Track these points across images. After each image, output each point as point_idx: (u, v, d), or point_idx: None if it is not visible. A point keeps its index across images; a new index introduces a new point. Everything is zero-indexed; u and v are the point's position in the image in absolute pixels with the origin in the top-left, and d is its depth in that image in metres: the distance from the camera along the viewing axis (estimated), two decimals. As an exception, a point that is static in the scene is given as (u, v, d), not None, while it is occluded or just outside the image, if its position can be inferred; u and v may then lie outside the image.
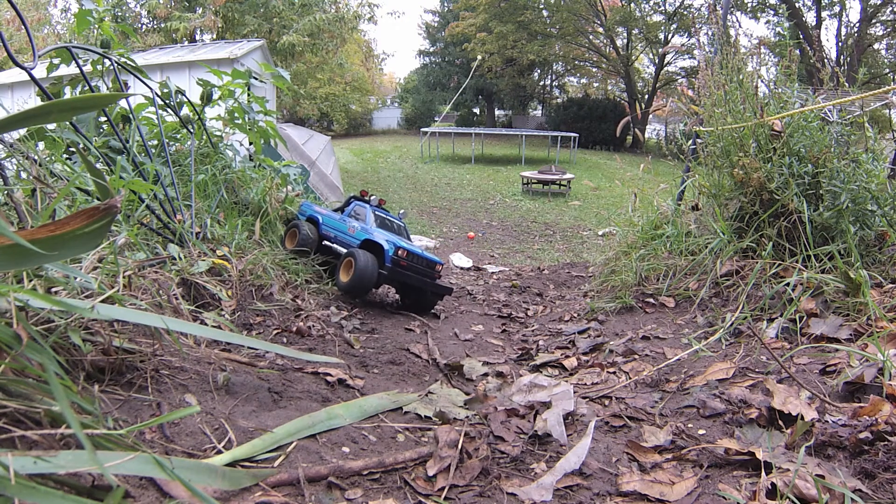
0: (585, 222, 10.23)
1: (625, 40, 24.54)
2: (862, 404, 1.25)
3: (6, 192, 1.47)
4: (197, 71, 8.51)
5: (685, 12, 21.36)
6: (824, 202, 2.41)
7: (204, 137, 3.25)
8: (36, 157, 1.78)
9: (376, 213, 3.66)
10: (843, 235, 2.28)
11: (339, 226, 3.53)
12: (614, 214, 5.54)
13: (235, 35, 13.98)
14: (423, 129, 19.84)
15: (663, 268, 2.97)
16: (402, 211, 4.28)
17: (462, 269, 6.22)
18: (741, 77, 2.94)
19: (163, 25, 13.71)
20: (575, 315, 3.20)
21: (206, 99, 3.36)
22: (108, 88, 2.79)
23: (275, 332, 2.07)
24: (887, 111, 3.21)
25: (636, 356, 2.13)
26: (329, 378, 1.67)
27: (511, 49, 23.59)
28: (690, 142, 3.43)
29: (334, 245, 3.47)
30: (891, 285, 2.06)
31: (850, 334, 1.78)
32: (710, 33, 3.84)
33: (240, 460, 1.02)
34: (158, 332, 1.34)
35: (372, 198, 3.84)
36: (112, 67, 2.40)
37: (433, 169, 16.26)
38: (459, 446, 1.20)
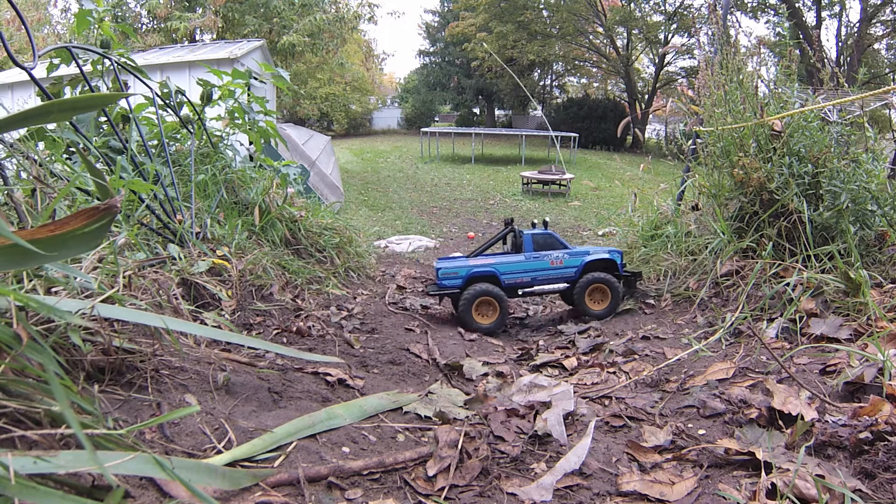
0: (585, 222, 10.22)
1: (625, 40, 24.53)
2: (862, 404, 1.26)
3: (6, 192, 1.47)
4: (197, 71, 8.51)
5: (685, 12, 21.33)
6: (824, 202, 2.41)
7: (204, 137, 3.25)
8: (36, 157, 1.78)
9: (536, 235, 3.10)
10: (843, 235, 2.28)
11: (534, 265, 3.03)
12: (614, 214, 5.54)
13: (235, 35, 13.98)
14: (423, 129, 19.84)
15: (663, 268, 2.97)
16: (546, 219, 3.68)
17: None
18: (741, 77, 2.94)
19: (163, 25, 13.71)
20: (575, 315, 3.20)
21: (206, 99, 3.36)
22: (108, 88, 2.79)
23: (275, 332, 2.07)
24: (887, 111, 3.21)
25: (636, 356, 2.13)
26: (329, 378, 1.67)
27: (511, 49, 23.58)
28: (690, 142, 3.43)
29: (537, 287, 3.04)
30: (891, 285, 2.06)
31: (850, 334, 1.78)
32: (710, 33, 3.84)
33: (240, 460, 1.02)
34: (158, 331, 1.34)
35: (546, 219, 3.41)
36: (112, 67, 2.40)
37: (433, 169, 16.27)
38: (459, 446, 1.20)
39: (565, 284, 3.04)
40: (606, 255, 3.04)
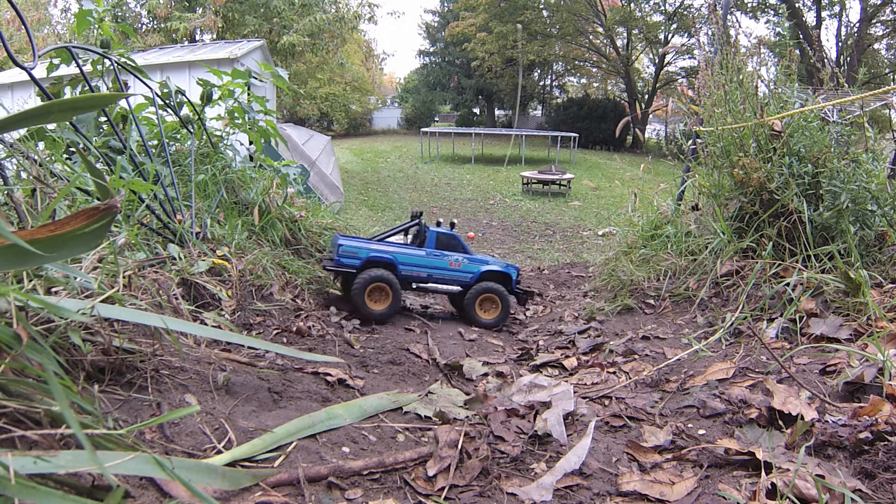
0: (585, 222, 10.23)
1: (625, 40, 24.55)
2: (862, 404, 1.25)
3: (6, 192, 1.47)
4: (197, 71, 8.51)
5: (685, 12, 21.35)
6: (824, 202, 2.41)
7: (204, 137, 3.25)
8: (36, 157, 1.78)
9: (441, 234, 3.18)
10: (843, 235, 2.28)
11: (433, 262, 3.07)
12: (614, 214, 5.54)
13: (235, 35, 13.99)
14: (423, 129, 19.85)
15: (663, 268, 2.97)
16: (453, 220, 3.76)
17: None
18: (741, 77, 2.94)
19: (163, 25, 13.72)
20: (575, 315, 3.20)
21: (206, 99, 3.35)
22: (108, 88, 2.79)
23: (275, 332, 2.07)
24: (887, 111, 3.21)
25: (636, 356, 2.13)
26: (329, 378, 1.67)
27: (511, 49, 23.60)
28: (690, 142, 3.43)
29: (432, 285, 3.09)
30: (891, 285, 2.06)
31: (850, 334, 1.78)
32: (710, 33, 3.84)
33: (240, 460, 1.02)
34: (158, 332, 1.34)
35: (453, 221, 3.46)
36: (112, 67, 2.40)
37: (433, 169, 16.27)
38: (459, 446, 1.20)
39: (459, 288, 3.14)
40: (503, 269, 3.19)
